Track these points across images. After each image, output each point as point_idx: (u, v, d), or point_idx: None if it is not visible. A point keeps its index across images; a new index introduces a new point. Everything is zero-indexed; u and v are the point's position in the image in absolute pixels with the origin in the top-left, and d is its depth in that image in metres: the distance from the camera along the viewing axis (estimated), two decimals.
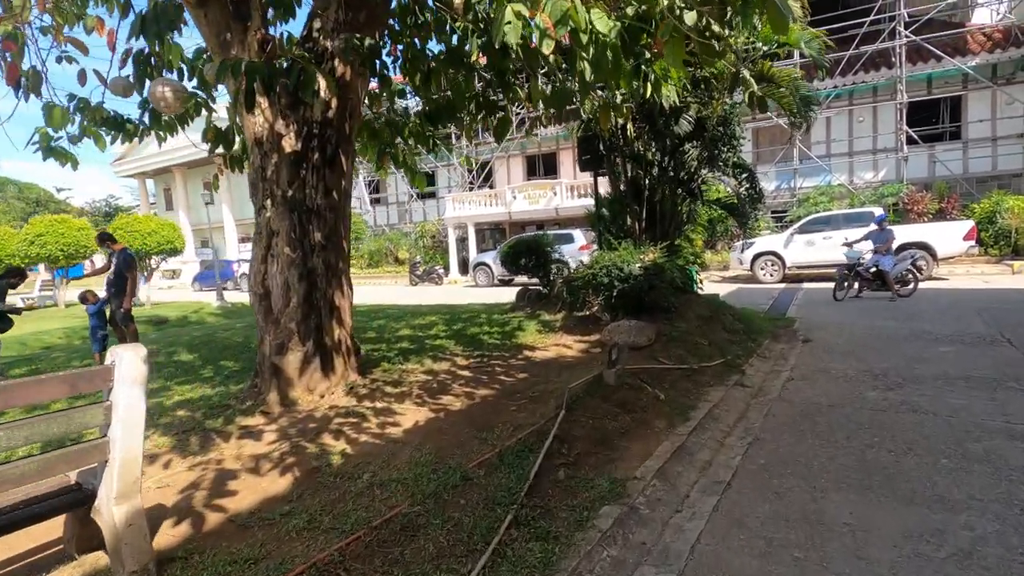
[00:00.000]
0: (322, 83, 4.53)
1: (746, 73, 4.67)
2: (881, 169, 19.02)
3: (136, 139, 6.03)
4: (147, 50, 5.28)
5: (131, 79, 4.71)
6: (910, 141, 18.01)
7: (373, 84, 6.07)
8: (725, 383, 5.43)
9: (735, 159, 6.97)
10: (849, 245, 10.56)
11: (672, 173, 6.95)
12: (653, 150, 7.14)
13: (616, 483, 3.25)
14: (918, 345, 6.50)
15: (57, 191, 59.23)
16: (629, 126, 6.25)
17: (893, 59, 17.79)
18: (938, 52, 17.18)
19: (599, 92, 5.47)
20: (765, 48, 5.35)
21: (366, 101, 6.32)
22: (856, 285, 10.46)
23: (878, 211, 13.76)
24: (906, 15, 17.35)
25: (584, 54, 2.97)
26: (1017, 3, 16.98)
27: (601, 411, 4.20)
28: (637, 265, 5.92)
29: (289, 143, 4.68)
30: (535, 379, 5.12)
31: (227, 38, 4.53)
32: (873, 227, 10.69)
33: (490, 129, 6.52)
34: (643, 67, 3.94)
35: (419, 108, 6.30)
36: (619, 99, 5.13)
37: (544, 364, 5.69)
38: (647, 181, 7.15)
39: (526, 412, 4.18)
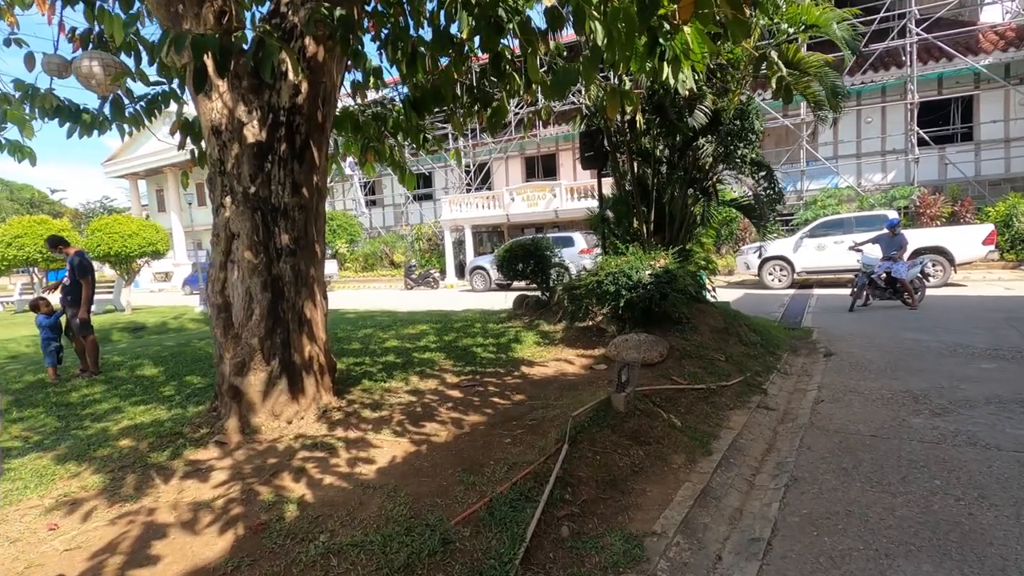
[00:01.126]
0: (288, 63, 3.94)
1: (774, 54, 4.08)
2: (890, 171, 18.48)
3: (96, 132, 5.44)
4: (98, 29, 4.72)
5: (68, 58, 4.10)
6: (920, 142, 17.47)
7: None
8: (747, 405, 4.84)
9: (753, 155, 6.38)
10: (859, 249, 9.97)
11: (683, 171, 6.35)
12: (662, 146, 6.54)
13: (632, 541, 2.64)
14: (955, 361, 5.91)
15: (51, 192, 58.70)
16: (639, 118, 5.67)
17: (903, 58, 17.26)
18: (950, 51, 16.65)
19: (607, 83, 4.88)
20: (791, 30, 4.77)
21: (348, 88, 5.76)
22: (864, 293, 9.84)
23: (892, 214, 13.20)
24: (917, 12, 16.83)
25: (596, 12, 2.37)
26: None
27: (610, 444, 3.60)
28: (647, 272, 5.32)
29: (252, 132, 4.08)
30: (533, 402, 4.51)
31: (179, 10, 3.93)
32: (884, 231, 10.10)
33: (484, 122, 5.96)
34: (661, 41, 3.34)
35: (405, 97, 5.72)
36: (627, 84, 4.53)
37: (543, 383, 5.08)
38: (656, 180, 6.55)
39: (522, 446, 3.57)
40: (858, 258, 9.98)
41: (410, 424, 4.09)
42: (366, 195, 30.19)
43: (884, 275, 9.49)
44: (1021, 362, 5.69)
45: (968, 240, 12.12)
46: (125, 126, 5.42)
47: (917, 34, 16.75)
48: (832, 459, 3.68)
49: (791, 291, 13.42)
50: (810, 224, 14.22)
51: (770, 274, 14.04)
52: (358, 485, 3.11)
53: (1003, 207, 14.86)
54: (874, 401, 4.82)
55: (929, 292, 11.60)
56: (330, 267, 23.34)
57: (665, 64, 3.64)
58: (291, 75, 4.11)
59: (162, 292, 29.55)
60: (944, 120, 18.13)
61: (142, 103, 5.33)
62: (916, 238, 12.64)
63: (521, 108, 23.43)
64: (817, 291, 13.13)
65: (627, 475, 3.34)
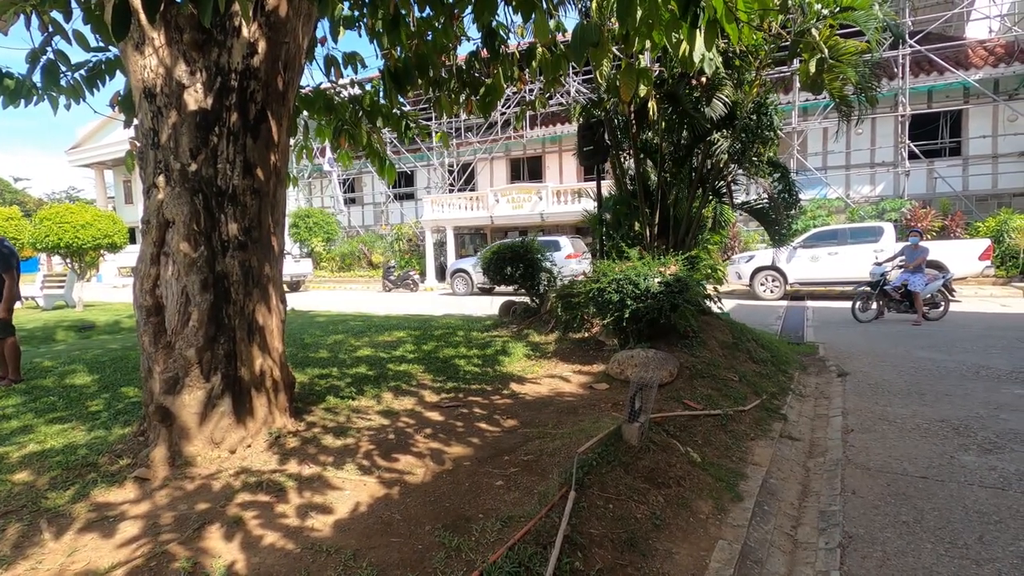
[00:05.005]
0: (241, 16, 3.23)
1: (815, 33, 3.50)
2: (879, 183, 18.32)
3: (24, 102, 4.64)
4: None
5: None
6: (910, 155, 17.33)
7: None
8: (769, 434, 4.25)
9: (770, 155, 5.84)
10: (880, 263, 9.61)
11: (692, 170, 5.77)
12: (668, 141, 5.96)
13: None
14: (983, 385, 5.42)
15: (14, 180, 56.33)
16: (651, 104, 5.07)
17: (895, 70, 17.10)
18: (941, 64, 16.54)
19: (622, 59, 4.26)
20: (826, 11, 4.22)
21: (321, 66, 5.06)
22: (875, 305, 9.43)
23: (887, 226, 12.91)
24: (910, 24, 16.69)
25: None
26: (1022, 16, 16.44)
27: (624, 488, 2.95)
28: (656, 280, 4.71)
29: (194, 97, 3.35)
30: (527, 429, 3.84)
31: None
32: (908, 243, 9.72)
33: (474, 107, 5.32)
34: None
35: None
36: (641, 62, 3.92)
37: (537, 405, 4.42)
38: (661, 178, 5.96)
39: (518, 490, 2.90)
40: (871, 270, 9.62)
41: (380, 457, 3.39)
42: (345, 192, 29.20)
43: (901, 287, 9.12)
44: None
45: (965, 255, 11.85)
46: (61, 98, 4.64)
47: (910, 46, 16.59)
48: (886, 509, 3.09)
49: (784, 303, 13.00)
50: (803, 235, 13.85)
51: (762, 284, 13.62)
52: (308, 547, 2.40)
53: (993, 223, 14.71)
54: (910, 432, 4.26)
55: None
56: (305, 266, 22.35)
57: (697, 33, 3.03)
58: (245, 31, 3.40)
59: (126, 288, 28.13)
60: (933, 134, 18.04)
61: (82, 72, 4.58)
62: None
63: (508, 108, 22.82)
64: (810, 303, 12.73)
65: (648, 530, 2.69)
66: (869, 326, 9.18)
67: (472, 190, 24.14)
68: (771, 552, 2.76)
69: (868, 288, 9.37)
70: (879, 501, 3.17)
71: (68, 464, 3.31)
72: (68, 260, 12.82)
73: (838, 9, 4.28)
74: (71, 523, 2.66)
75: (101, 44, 4.40)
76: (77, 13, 4.02)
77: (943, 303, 9.08)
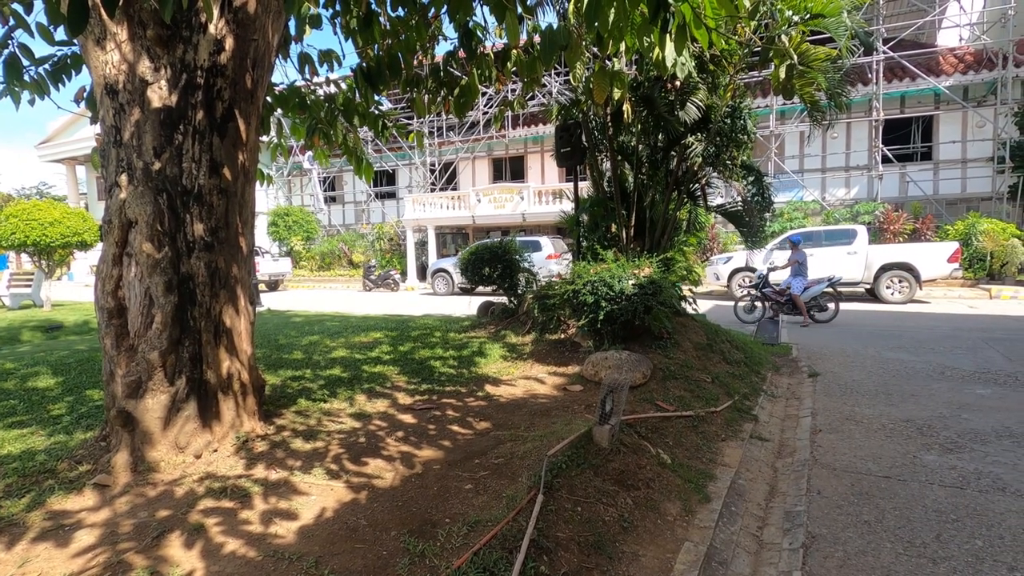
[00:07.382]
0: (205, 13, 3.16)
1: (785, 40, 3.55)
2: (853, 187, 18.69)
3: None
4: None
5: None
6: (883, 159, 17.71)
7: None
8: (739, 435, 4.30)
9: (744, 158, 5.92)
10: (775, 267, 10.26)
11: (668, 173, 5.82)
12: (644, 144, 5.99)
13: None
14: (948, 385, 5.55)
15: None
16: (626, 107, 5.10)
17: (869, 75, 17.46)
18: (913, 70, 16.93)
19: (595, 62, 4.27)
20: (796, 18, 4.28)
21: (295, 63, 4.99)
22: (759, 305, 9.90)
23: (861, 228, 13.18)
24: (883, 30, 17.05)
25: None
26: (991, 25, 16.91)
27: (593, 490, 2.96)
28: (631, 282, 4.74)
29: (158, 94, 3.28)
30: (499, 432, 3.84)
31: None
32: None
33: (451, 107, 5.29)
34: (671, 0, 2.73)
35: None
36: (616, 65, 3.93)
37: (511, 407, 4.41)
38: (637, 181, 6.00)
39: (487, 494, 2.89)
40: (757, 271, 10.36)
41: (349, 461, 3.35)
42: (325, 191, 28.88)
43: (785, 289, 9.66)
44: (1015, 388, 5.37)
45: (934, 257, 12.14)
46: (25, 93, 4.49)
47: (884, 52, 16.94)
48: (849, 508, 3.14)
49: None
50: (779, 237, 14.07)
51: (740, 286, 13.79)
52: (269, 555, 2.36)
53: (962, 226, 15.10)
54: (876, 432, 4.35)
55: (898, 308, 11.57)
56: (284, 265, 22.10)
57: (668, 37, 3.05)
58: (212, 27, 3.33)
59: None
60: (905, 139, 18.46)
61: (46, 66, 4.45)
62: (883, 254, 12.66)
63: (490, 107, 22.79)
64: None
65: (615, 533, 2.70)
66: (845, 327, 9.35)
67: (454, 189, 24.07)
68: (736, 553, 2.79)
69: (753, 290, 9.84)
70: (843, 501, 3.23)
71: (25, 471, 3.21)
72: (36, 258, 12.47)
73: (808, 16, 4.35)
74: (24, 532, 2.58)
75: (66, 38, 4.29)
76: (39, 5, 3.90)
77: (831, 304, 9.50)
